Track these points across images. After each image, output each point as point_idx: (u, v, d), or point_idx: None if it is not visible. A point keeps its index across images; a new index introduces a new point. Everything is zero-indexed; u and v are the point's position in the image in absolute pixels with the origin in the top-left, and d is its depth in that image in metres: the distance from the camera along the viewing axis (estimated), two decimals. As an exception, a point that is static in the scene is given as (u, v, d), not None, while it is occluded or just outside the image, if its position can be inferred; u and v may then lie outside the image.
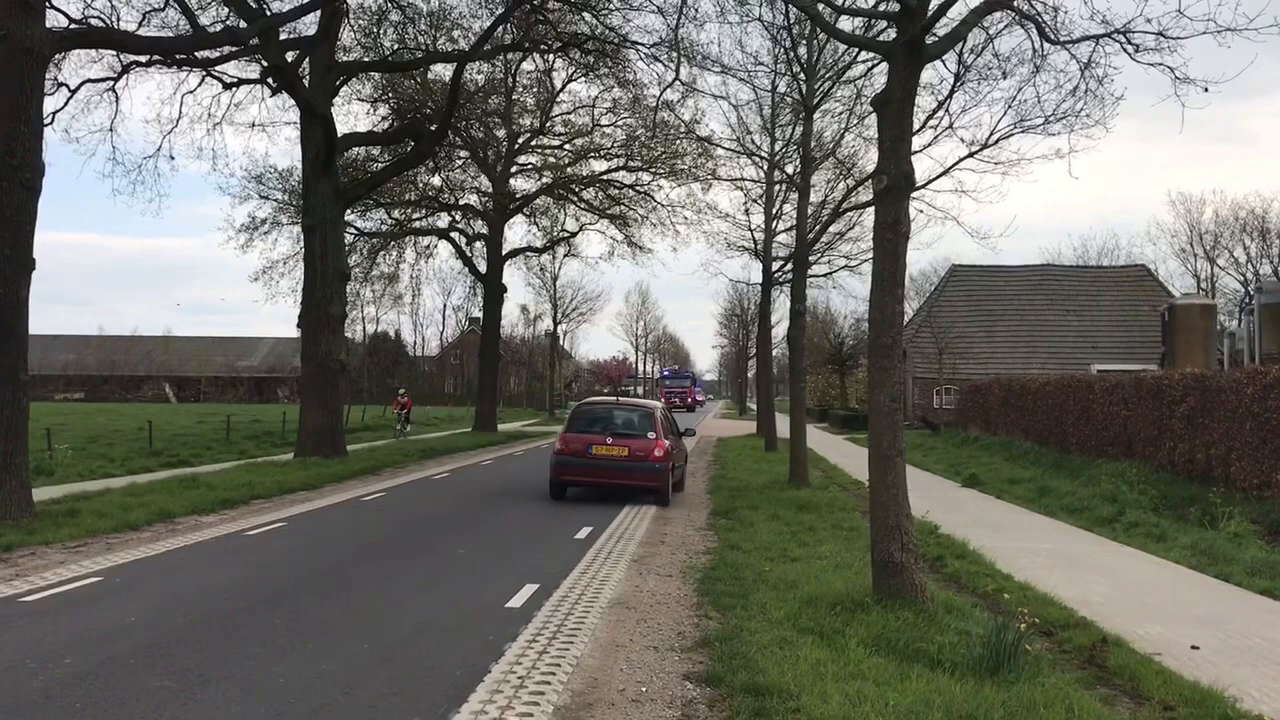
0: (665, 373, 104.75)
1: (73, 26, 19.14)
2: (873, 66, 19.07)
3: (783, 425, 30.31)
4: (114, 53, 22.23)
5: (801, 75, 20.65)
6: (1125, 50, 9.84)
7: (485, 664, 7.11)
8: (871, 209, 10.97)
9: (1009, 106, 15.81)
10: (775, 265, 31.50)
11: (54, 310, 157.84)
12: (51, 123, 20.40)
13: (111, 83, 23.22)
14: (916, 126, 12.73)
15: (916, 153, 11.59)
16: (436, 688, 6.57)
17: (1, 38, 14.08)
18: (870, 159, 23.46)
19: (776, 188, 29.06)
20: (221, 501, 16.30)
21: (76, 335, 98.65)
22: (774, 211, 30.19)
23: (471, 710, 6.11)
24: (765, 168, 27.88)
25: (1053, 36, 10.20)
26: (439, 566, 11.35)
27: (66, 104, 22.17)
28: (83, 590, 9.67)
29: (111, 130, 24.17)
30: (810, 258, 24.24)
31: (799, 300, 22.07)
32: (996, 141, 16.29)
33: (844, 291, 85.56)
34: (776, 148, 26.59)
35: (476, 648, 7.59)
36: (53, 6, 16.77)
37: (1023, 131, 15.89)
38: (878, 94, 9.62)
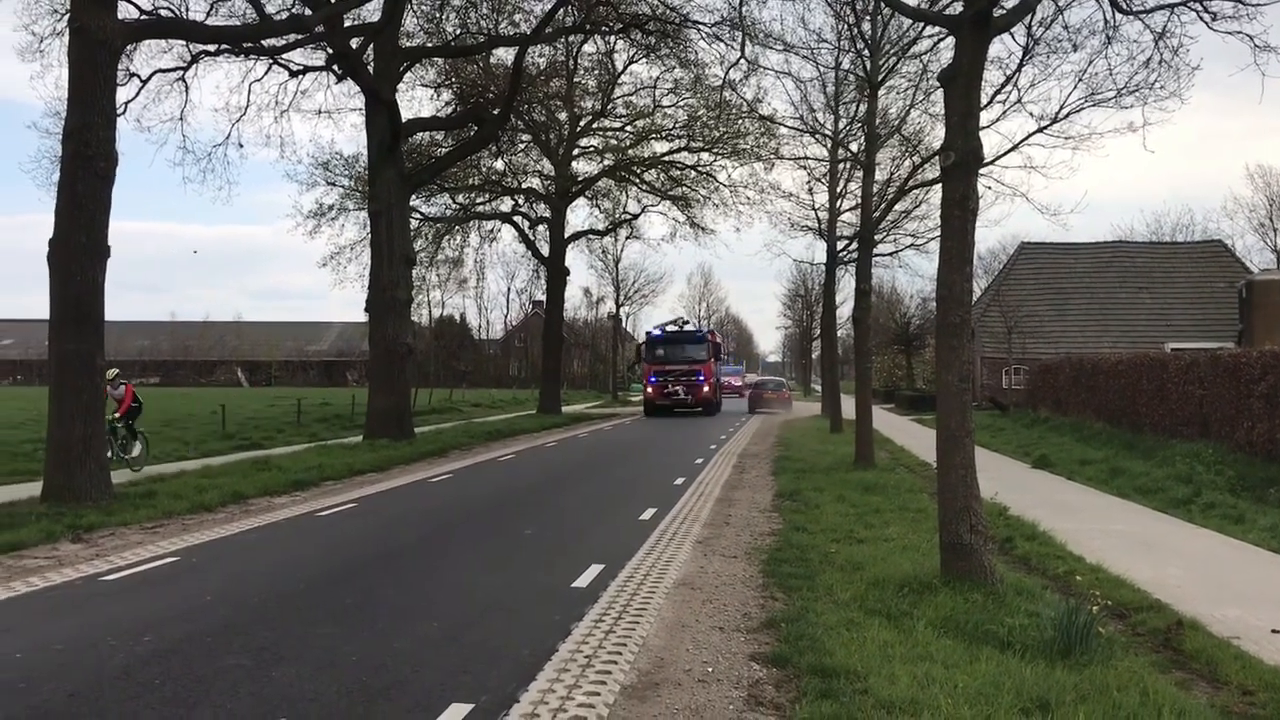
0: (654, 332, 47.82)
1: (143, 18, 19.50)
2: (939, 41, 18.77)
3: (848, 406, 30.08)
4: (183, 43, 22.63)
5: (866, 51, 20.37)
6: (1202, 19, 9.58)
7: (552, 643, 7.16)
8: (938, 186, 10.79)
9: (1079, 79, 15.47)
10: (840, 244, 31.21)
11: (129, 297, 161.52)
12: (124, 112, 20.83)
13: (181, 72, 23.65)
14: (984, 101, 12.51)
15: (984, 128, 11.37)
16: (504, 666, 6.63)
17: (76, 30, 14.40)
18: (937, 135, 23.13)
19: (841, 166, 28.75)
20: (293, 483, 16.60)
21: (151, 321, 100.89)
22: (838, 190, 29.88)
23: (539, 689, 6.16)
24: (829, 146, 27.59)
25: (1125, 6, 9.95)
26: (506, 547, 11.45)
27: (138, 94, 22.64)
28: (160, 570, 9.92)
29: (182, 119, 24.64)
30: (875, 236, 23.94)
31: (864, 280, 21.83)
32: (1067, 115, 15.96)
33: (910, 270, 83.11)
34: (840, 125, 26.31)
35: (544, 627, 7.64)
36: (124, -2, 17.07)
37: (1094, 105, 15.55)
38: (944, 69, 9.46)
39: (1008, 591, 8.37)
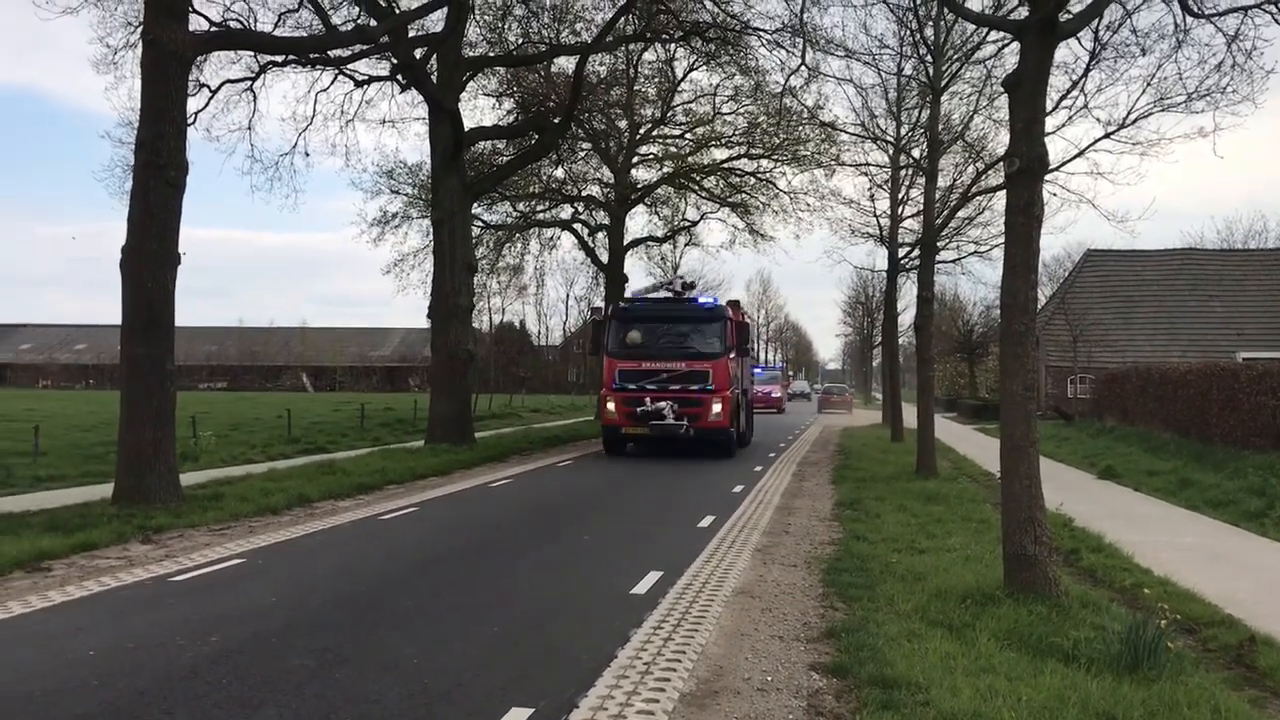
0: (629, 304, 26.88)
1: (213, 29, 19.90)
2: (1003, 46, 18.54)
3: (909, 415, 29.78)
4: (252, 53, 23.05)
5: (928, 57, 20.19)
6: (1277, 21, 9.36)
7: (611, 649, 7.18)
8: (1003, 193, 10.67)
9: (1148, 84, 15.16)
10: (901, 251, 30.89)
11: (198, 303, 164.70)
12: (194, 122, 21.25)
13: (249, 82, 24.08)
14: (1049, 107, 12.32)
15: (1049, 134, 11.23)
16: (564, 671, 6.67)
17: (149, 43, 14.74)
18: (1001, 141, 22.83)
19: (903, 172, 28.46)
20: (356, 486, 16.82)
21: (219, 327, 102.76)
22: (900, 197, 29.59)
23: (598, 694, 6.18)
24: (891, 152, 27.34)
25: (1196, 9, 9.77)
26: (565, 552, 11.50)
27: (208, 104, 23.09)
28: (227, 571, 10.10)
29: (250, 129, 25.07)
30: (938, 243, 23.69)
31: (926, 287, 21.61)
32: (1135, 121, 15.66)
33: (973, 278, 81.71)
34: (902, 131, 26.05)
35: (602, 633, 7.67)
36: (195, 11, 17.45)
37: (1163, 110, 15.22)
38: (1008, 74, 9.35)
39: (1073, 604, 8.23)
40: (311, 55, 23.52)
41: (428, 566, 10.68)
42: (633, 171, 42.25)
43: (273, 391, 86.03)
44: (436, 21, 26.18)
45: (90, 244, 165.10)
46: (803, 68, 17.57)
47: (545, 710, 5.86)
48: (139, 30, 17.00)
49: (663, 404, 23.89)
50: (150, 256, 14.27)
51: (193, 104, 19.94)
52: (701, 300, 26.69)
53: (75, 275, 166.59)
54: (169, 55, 14.62)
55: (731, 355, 24.87)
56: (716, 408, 24.03)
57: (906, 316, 43.93)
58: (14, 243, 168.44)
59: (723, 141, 39.67)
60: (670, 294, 26.64)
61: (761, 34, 25.02)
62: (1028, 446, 8.71)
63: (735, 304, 28.12)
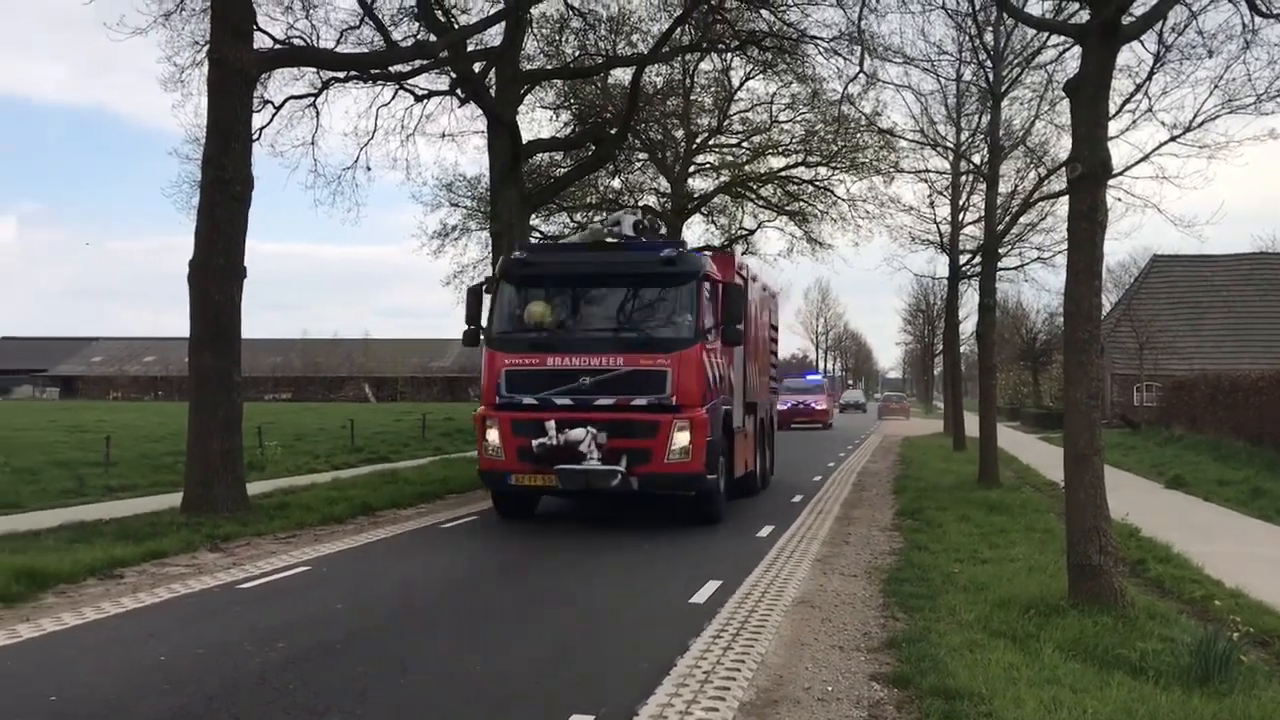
0: (521, 254, 15.39)
1: (277, 47, 20.27)
2: (1064, 50, 18.28)
3: (971, 424, 29.43)
4: (314, 70, 23.45)
5: (988, 62, 19.99)
6: (1348, 20, 9.14)
7: (670, 658, 7.19)
8: (1065, 198, 10.54)
9: (1215, 86, 14.89)
10: (962, 258, 30.59)
11: (263, 316, 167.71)
12: (259, 138, 21.62)
13: (312, 98, 24.47)
14: (1112, 111, 12.15)
15: (1113, 138, 11.05)
16: (623, 679, 6.69)
17: (215, 61, 15.07)
18: (1063, 146, 22.50)
19: (963, 179, 28.20)
20: (418, 495, 17.01)
21: (283, 339, 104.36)
22: (960, 203, 29.31)
23: (658, 703, 6.20)
24: (951, 158, 27.10)
25: (1265, 9, 9.59)
26: (623, 561, 11.53)
27: (272, 120, 23.48)
28: (293, 579, 10.27)
29: (313, 144, 25.45)
30: (1000, 250, 23.43)
31: (988, 294, 21.37)
32: (1201, 124, 15.37)
33: (1036, 285, 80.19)
34: (962, 138, 25.80)
35: (661, 641, 7.68)
36: (259, 29, 17.80)
37: (1231, 112, 14.95)
38: (1070, 79, 9.24)
39: (1140, 615, 8.09)
40: (373, 71, 23.87)
41: (488, 574, 10.79)
42: (689, 181, 42.24)
43: (336, 402, 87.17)
44: (495, 36, 26.41)
45: (159, 258, 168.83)
46: (861, 75, 17.45)
47: (605, 717, 5.88)
48: (205, 49, 17.36)
49: (579, 432, 13.21)
50: (217, 270, 14.56)
51: (257, 120, 20.31)
52: (638, 236, 15.44)
53: (144, 289, 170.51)
54: (234, 73, 14.94)
55: (712, 343, 14.20)
56: (680, 439, 13.37)
57: (968, 324, 43.28)
58: (85, 257, 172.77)
59: (780, 150, 39.53)
60: (599, 238, 15.49)
61: (818, 42, 24.88)
62: (1092, 455, 8.59)
63: (723, 255, 19.47)
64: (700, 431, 13.45)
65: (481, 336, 14.75)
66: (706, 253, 18.25)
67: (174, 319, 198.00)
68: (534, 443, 13.17)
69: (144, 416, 47.54)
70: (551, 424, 13.21)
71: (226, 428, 14.53)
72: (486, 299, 14.79)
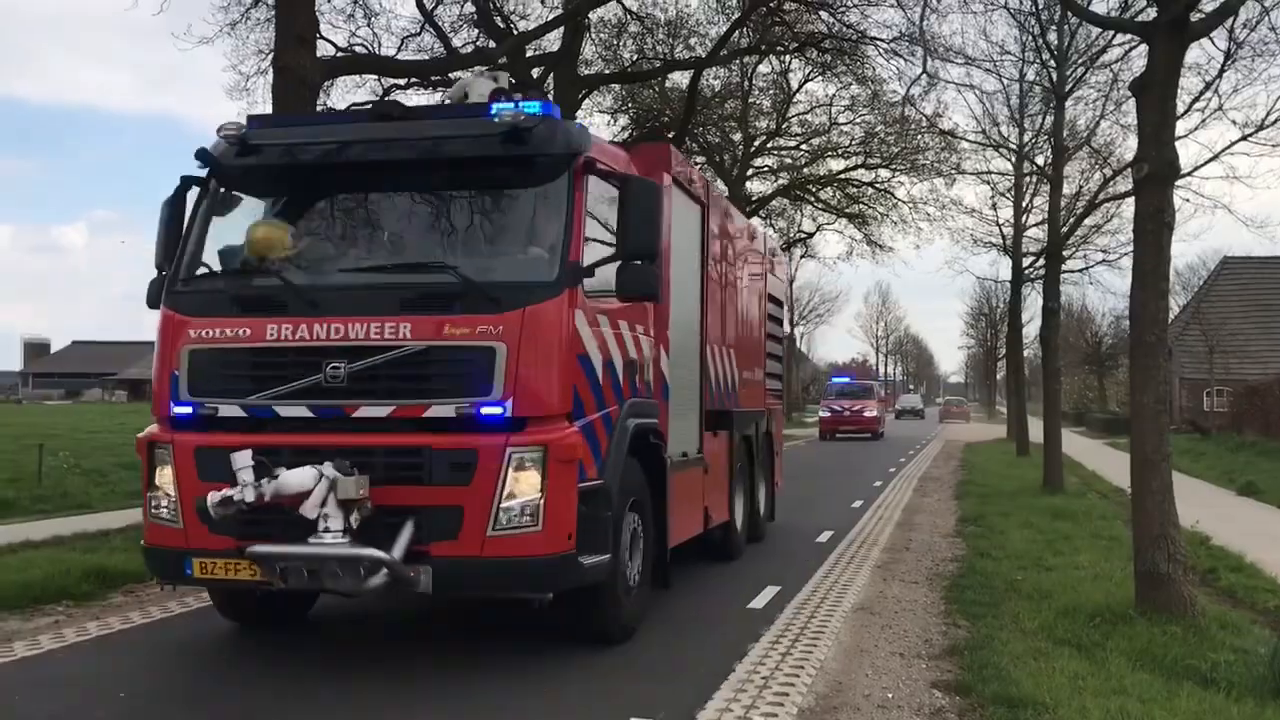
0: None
1: (339, 55, 20.58)
2: (1130, 49, 17.98)
3: (1035, 430, 29.01)
4: (376, 77, 23.77)
5: (1051, 62, 19.71)
6: None
7: (729, 662, 7.16)
8: (1131, 199, 10.35)
9: (1289, 83, 14.54)
10: (1026, 261, 30.20)
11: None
12: (322, 145, 21.96)
13: (375, 106, 24.82)
14: (1181, 110, 11.95)
15: (1181, 138, 10.88)
16: (681, 683, 6.68)
17: (280, 69, 15.31)
18: (1129, 147, 22.14)
19: (1026, 180, 27.83)
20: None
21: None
22: (1024, 205, 28.93)
23: (716, 707, 6.18)
24: (1013, 160, 26.76)
25: (1340, 3, 9.32)
26: (682, 565, 11.48)
27: (334, 127, 23.84)
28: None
29: (375, 150, 25.79)
30: (1064, 252, 23.08)
31: (1052, 297, 21.04)
32: (1275, 122, 15.05)
33: (1102, 287, 78.63)
34: (1025, 138, 25.46)
35: (720, 646, 7.65)
36: (322, 37, 18.06)
37: (1306, 110, 14.59)
38: (1136, 78, 9.08)
39: (1210, 625, 7.91)
40: (433, 78, 24.13)
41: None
42: (747, 184, 42.17)
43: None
44: (553, 41, 26.58)
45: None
46: (923, 76, 17.31)
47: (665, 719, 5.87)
48: (270, 57, 17.66)
49: (303, 475, 6.44)
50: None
51: (321, 127, 20.62)
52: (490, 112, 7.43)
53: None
54: (298, 81, 15.15)
55: (601, 297, 7.36)
56: (521, 487, 6.65)
57: (1032, 328, 42.77)
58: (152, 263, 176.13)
59: (839, 152, 39.32)
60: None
61: (878, 43, 24.73)
62: (1159, 461, 8.41)
63: (654, 145, 12.41)
64: (562, 472, 6.73)
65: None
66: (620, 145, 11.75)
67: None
68: (233, 501, 6.43)
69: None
70: (245, 458, 6.48)
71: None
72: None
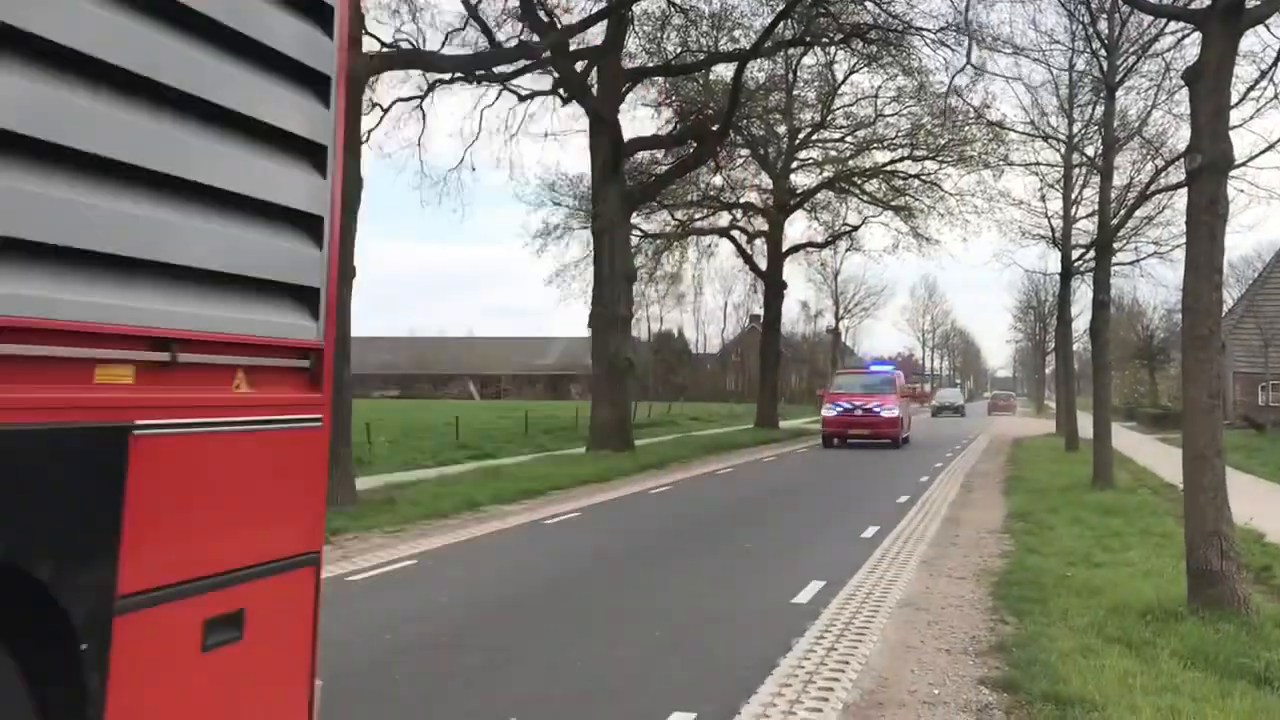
0: None
1: (385, 50, 20.73)
2: (1183, 37, 17.65)
3: (1084, 424, 28.65)
4: (420, 72, 23.93)
5: (1102, 51, 19.41)
6: None
7: (773, 657, 7.13)
8: (1184, 191, 10.17)
9: (1348, 70, 14.20)
10: (1075, 254, 29.79)
11: (371, 314, 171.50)
12: (367, 140, 22.17)
13: (419, 100, 25.02)
14: (1235, 99, 11.69)
15: (1235, 127, 10.63)
16: (725, 678, 6.66)
17: (326, 65, 15.44)
18: (1181, 137, 21.73)
19: (1075, 171, 27.44)
20: (521, 492, 17.19)
21: (390, 337, 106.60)
22: (1073, 197, 28.51)
23: (761, 702, 6.16)
24: (1063, 151, 26.39)
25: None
26: (725, 559, 11.48)
27: (380, 122, 24.07)
28: (401, 572, 10.47)
29: (419, 145, 26.07)
30: (1114, 245, 22.73)
31: (1102, 290, 20.74)
32: (1332, 110, 14.69)
33: (1153, 280, 76.98)
34: (1075, 129, 25.12)
35: (764, 641, 7.62)
36: (367, 33, 18.21)
37: (1366, 98, 14.26)
38: (1189, 67, 8.92)
39: (1265, 623, 7.77)
40: (478, 72, 24.25)
41: (590, 570, 10.86)
42: (792, 177, 41.99)
43: (441, 399, 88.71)
44: (597, 35, 26.63)
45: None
46: (969, 66, 17.13)
47: (707, 715, 5.86)
48: (317, 54, 17.82)
49: None
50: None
51: (366, 122, 20.81)
52: None
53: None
54: (345, 77, 15.29)
55: None
56: None
57: (1081, 321, 42.24)
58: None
59: (885, 144, 39.04)
60: None
61: (925, 34, 24.58)
62: (1213, 456, 8.27)
63: None
64: None
65: None
66: None
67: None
68: None
69: (259, 412, 48.87)
70: None
71: (337, 425, 14.86)
72: None
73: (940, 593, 9.69)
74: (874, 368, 38.80)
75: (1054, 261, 36.58)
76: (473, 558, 11.53)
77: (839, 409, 32.68)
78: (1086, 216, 28.32)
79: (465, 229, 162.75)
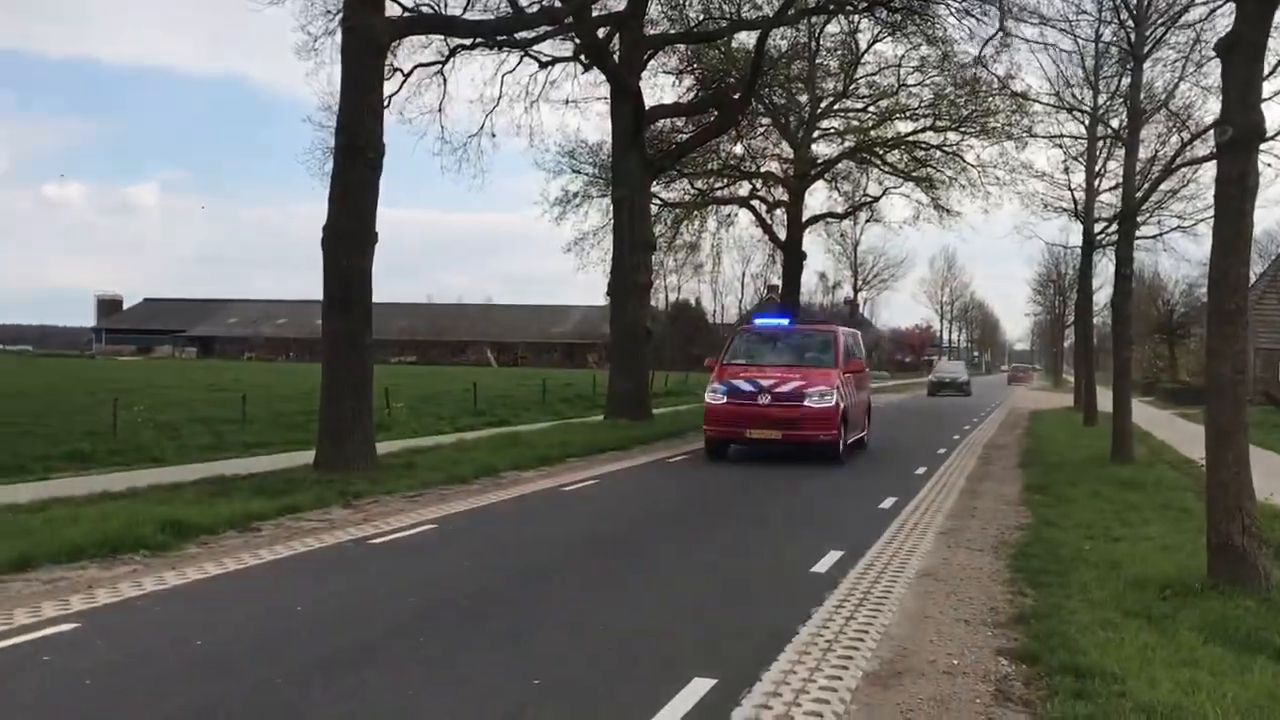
0: None
1: (406, 14, 20.63)
2: (1215, 8, 17.40)
3: (1103, 399, 28.52)
4: (442, 37, 23.80)
5: (1129, 21, 19.16)
6: None
7: (792, 626, 7.17)
8: (1210, 164, 10.09)
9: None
10: (1098, 227, 29.57)
11: (389, 280, 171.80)
12: (388, 106, 22.10)
13: (440, 66, 24.90)
14: (1267, 70, 11.54)
15: (1266, 100, 10.51)
16: (745, 645, 6.70)
17: (348, 29, 15.40)
18: (1208, 109, 21.54)
19: (1100, 144, 27.19)
20: (539, 459, 17.26)
21: (409, 303, 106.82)
22: (1096, 169, 28.28)
23: (781, 669, 6.20)
24: (1087, 123, 26.15)
25: None
26: (743, 528, 11.53)
27: (401, 88, 23.97)
28: (420, 536, 10.56)
29: (440, 111, 25.92)
30: (1138, 218, 22.55)
31: (1125, 264, 20.59)
32: (1366, 84, 14.48)
33: (1175, 254, 76.03)
34: (1100, 100, 24.86)
35: (783, 609, 7.66)
36: (390, -3, 18.12)
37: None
38: (1221, 38, 8.80)
39: (1285, 599, 7.77)
40: (499, 38, 24.11)
41: (609, 538, 10.92)
42: (813, 146, 41.67)
43: (458, 365, 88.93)
44: (619, 1, 26.43)
45: (291, 223, 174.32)
46: (999, 34, 16.90)
47: (727, 681, 5.90)
48: (338, 17, 17.77)
49: None
50: (349, 235, 14.95)
51: (387, 88, 20.75)
52: None
53: (277, 253, 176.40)
54: (367, 41, 15.25)
55: None
56: None
57: (1101, 295, 42.01)
58: (221, 222, 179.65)
59: (907, 114, 38.67)
60: None
61: (950, 2, 24.28)
62: (1236, 432, 8.24)
63: None
64: None
65: None
66: None
67: (304, 282, 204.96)
68: None
69: (277, 376, 49.29)
70: None
71: (357, 389, 14.95)
72: None
73: (959, 564, 9.71)
74: (794, 325, 22.48)
75: (1076, 234, 36.34)
76: (492, 523, 11.61)
77: (728, 393, 18.48)
78: (1110, 189, 28.11)
79: (484, 196, 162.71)
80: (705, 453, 18.88)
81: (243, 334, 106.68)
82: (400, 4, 21.22)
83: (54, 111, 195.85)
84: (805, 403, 17.91)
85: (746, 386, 18.33)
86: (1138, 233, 24.18)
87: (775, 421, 17.96)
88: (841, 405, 18.19)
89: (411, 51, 25.68)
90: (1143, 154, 22.28)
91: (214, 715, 5.27)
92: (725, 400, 18.41)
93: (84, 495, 11.67)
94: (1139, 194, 20.75)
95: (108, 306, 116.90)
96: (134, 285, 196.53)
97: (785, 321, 22.30)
